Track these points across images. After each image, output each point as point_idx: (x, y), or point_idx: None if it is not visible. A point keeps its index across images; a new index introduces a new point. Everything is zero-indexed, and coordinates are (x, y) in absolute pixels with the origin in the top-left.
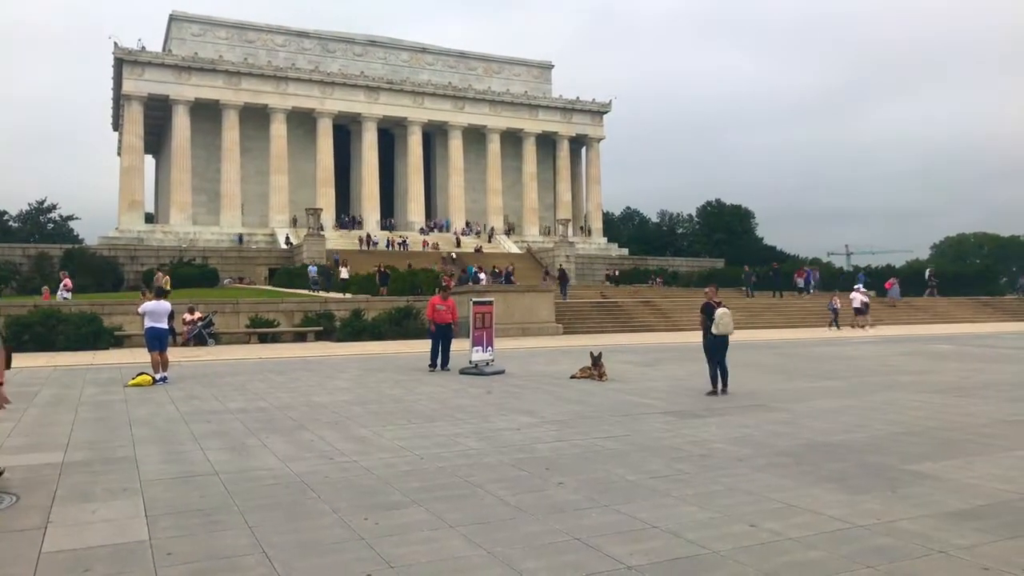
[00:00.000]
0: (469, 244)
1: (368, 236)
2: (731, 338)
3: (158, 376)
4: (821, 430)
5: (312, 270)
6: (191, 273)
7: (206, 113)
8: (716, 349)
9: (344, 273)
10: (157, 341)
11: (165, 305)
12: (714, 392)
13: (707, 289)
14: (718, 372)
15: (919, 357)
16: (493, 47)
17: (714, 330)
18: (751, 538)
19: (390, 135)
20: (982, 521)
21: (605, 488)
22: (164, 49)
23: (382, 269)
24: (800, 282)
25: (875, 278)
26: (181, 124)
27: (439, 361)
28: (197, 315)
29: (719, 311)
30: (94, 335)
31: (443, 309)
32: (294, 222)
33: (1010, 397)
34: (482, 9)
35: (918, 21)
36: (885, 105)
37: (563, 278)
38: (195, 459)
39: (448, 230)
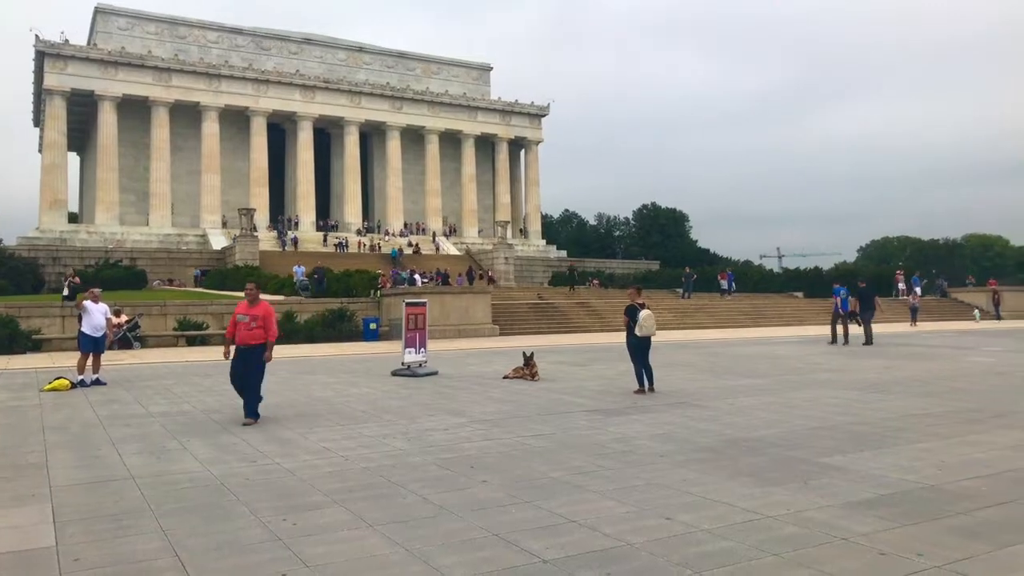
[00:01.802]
0: (407, 245)
1: (293, 239)
2: (663, 338)
3: (89, 379)
4: (741, 426)
5: (299, 271)
6: (118, 275)
7: (135, 110)
8: (639, 350)
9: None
10: (93, 343)
11: (103, 307)
12: (641, 391)
13: (630, 291)
14: (643, 371)
15: (839, 356)
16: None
17: (637, 331)
18: (665, 530)
19: (327, 135)
20: (884, 509)
21: (528, 485)
22: (89, 43)
23: (317, 268)
24: (723, 284)
25: (804, 281)
26: (108, 121)
27: (244, 405)
28: (123, 318)
29: (642, 313)
30: (9, 338)
31: (246, 321)
32: (224, 223)
33: (921, 392)
34: (426, 12)
35: (857, 29)
36: (821, 111)
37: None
38: (110, 464)
39: (379, 231)
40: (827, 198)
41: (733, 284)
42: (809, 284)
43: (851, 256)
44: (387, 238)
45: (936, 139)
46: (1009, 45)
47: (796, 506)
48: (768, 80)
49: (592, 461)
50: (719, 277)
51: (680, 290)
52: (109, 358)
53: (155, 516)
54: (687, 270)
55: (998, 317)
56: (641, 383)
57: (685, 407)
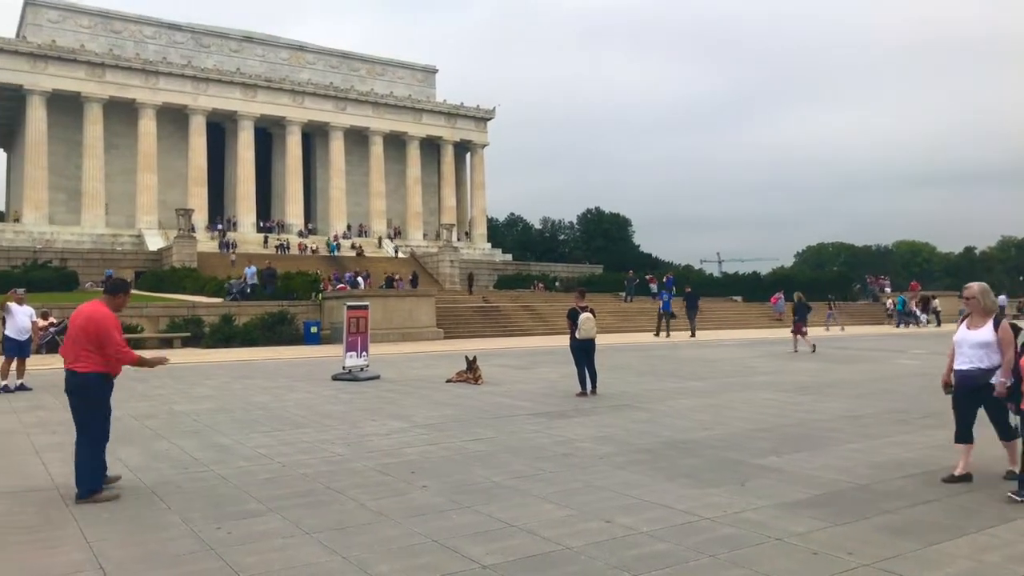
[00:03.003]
0: (350, 247)
1: (231, 242)
2: (605, 341)
3: (13, 385)
4: (680, 428)
5: (250, 272)
6: (47, 276)
7: (66, 106)
8: (581, 352)
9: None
10: (17, 347)
11: (28, 309)
12: (583, 393)
13: (575, 294)
14: (586, 374)
15: (775, 359)
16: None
17: (578, 334)
18: (604, 533)
19: (268, 135)
20: (817, 509)
21: (468, 490)
22: (19, 35)
23: (268, 268)
24: (654, 287)
25: (743, 285)
26: (36, 116)
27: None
28: (51, 320)
29: (582, 316)
30: None
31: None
32: (160, 224)
33: (853, 394)
34: (371, 12)
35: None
36: (760, 117)
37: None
38: (32, 472)
39: (319, 233)
40: (765, 204)
41: (688, 288)
42: (749, 288)
43: (788, 261)
44: (335, 241)
45: (865, 146)
46: (934, 53)
47: (733, 507)
48: (712, 84)
49: (533, 465)
50: (648, 281)
51: (623, 294)
52: (35, 362)
53: (79, 527)
54: (630, 274)
55: (917, 322)
56: (583, 386)
57: (626, 409)
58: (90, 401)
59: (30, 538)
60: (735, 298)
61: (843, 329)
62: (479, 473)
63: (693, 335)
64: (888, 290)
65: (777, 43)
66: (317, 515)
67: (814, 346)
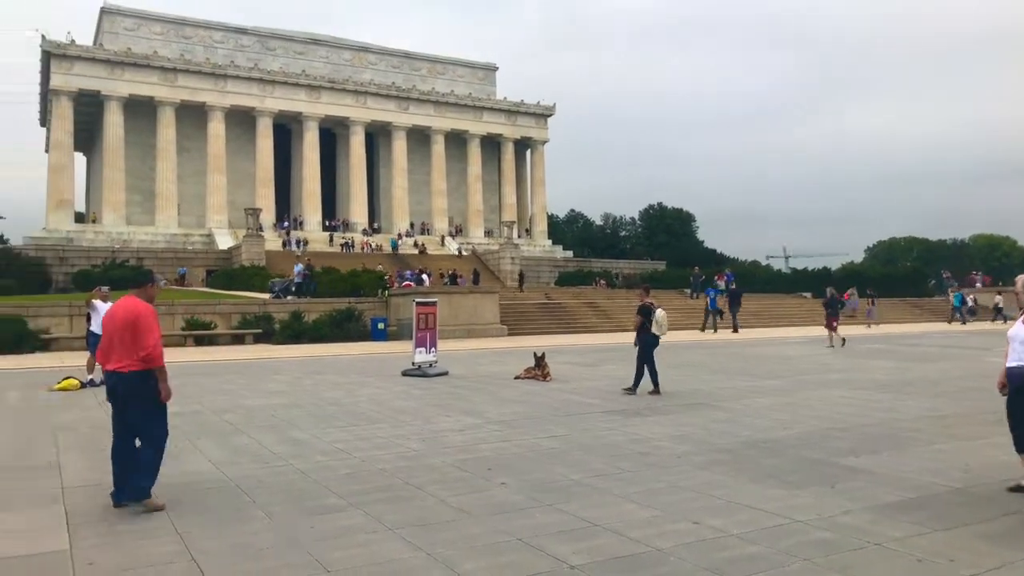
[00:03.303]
0: (412, 245)
1: (299, 240)
2: (672, 338)
3: (99, 379)
4: (759, 427)
5: (298, 269)
6: (124, 275)
7: (141, 110)
8: (653, 349)
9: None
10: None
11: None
12: (656, 392)
13: (639, 290)
14: (655, 372)
15: (850, 356)
16: (442, 49)
17: (656, 331)
18: (693, 535)
19: (332, 135)
20: (913, 513)
21: (548, 488)
22: (95, 43)
23: (307, 265)
24: (721, 284)
25: (813, 281)
26: (114, 121)
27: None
28: None
29: (659, 312)
30: (17, 338)
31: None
32: (229, 223)
33: (933, 393)
34: (433, 12)
35: (866, 28)
36: (829, 111)
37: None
38: None
39: (382, 231)
40: (833, 198)
41: (732, 285)
42: (818, 284)
43: (858, 257)
44: (401, 239)
45: (942, 138)
46: (1016, 44)
47: (824, 510)
48: (778, 79)
49: (611, 463)
50: (716, 278)
51: (688, 290)
52: None
53: (169, 519)
54: (696, 270)
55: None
56: (656, 384)
57: (701, 408)
58: (148, 401)
59: (125, 528)
60: (804, 294)
61: (869, 327)
62: (557, 471)
63: (735, 331)
64: (956, 284)
65: (844, 32)
66: (398, 511)
67: (844, 340)
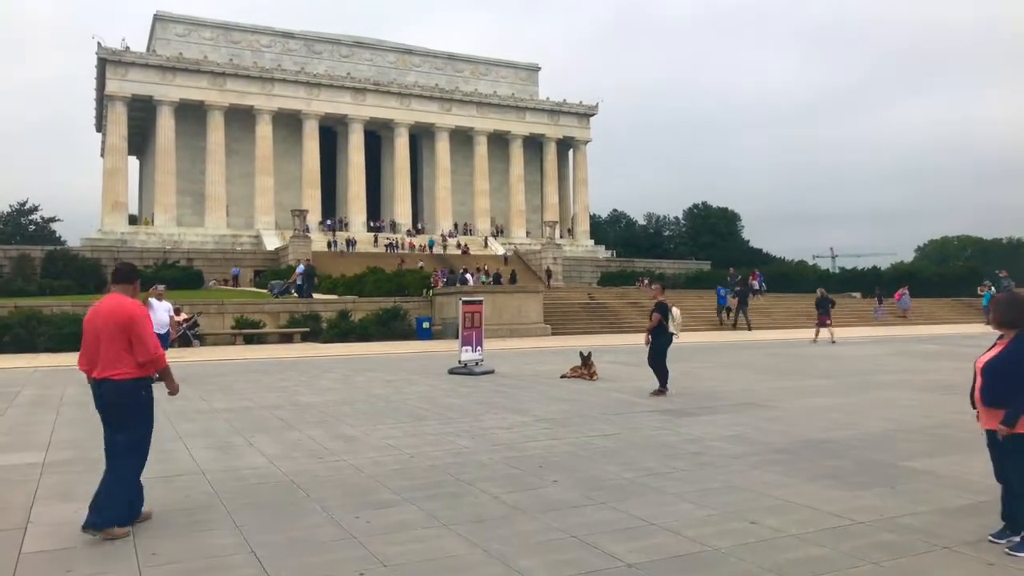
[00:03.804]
0: (455, 246)
1: (348, 241)
2: (719, 339)
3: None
4: (815, 427)
5: (300, 269)
6: (175, 275)
7: (191, 114)
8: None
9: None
10: (158, 340)
11: (167, 304)
12: (663, 392)
13: (654, 288)
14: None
15: (906, 357)
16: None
17: (673, 328)
18: (751, 535)
19: (376, 137)
20: (983, 517)
21: (600, 486)
22: (148, 49)
23: (308, 264)
24: (755, 284)
25: (862, 281)
26: (165, 125)
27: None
28: (183, 316)
29: (675, 309)
30: (76, 336)
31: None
32: (276, 224)
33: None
34: (476, 13)
35: (911, 24)
36: (876, 108)
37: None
38: (179, 458)
39: (424, 231)
40: (882, 197)
41: (763, 284)
42: (867, 284)
43: (908, 256)
44: (444, 240)
45: (994, 135)
46: None
47: (888, 511)
48: (824, 77)
49: (664, 462)
50: (750, 278)
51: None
52: (171, 355)
53: (227, 511)
54: (731, 271)
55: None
56: (665, 384)
57: (754, 408)
58: (140, 412)
59: (186, 521)
60: (853, 294)
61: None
62: (609, 469)
63: (749, 329)
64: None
65: (897, 27)
66: (451, 507)
67: (833, 339)
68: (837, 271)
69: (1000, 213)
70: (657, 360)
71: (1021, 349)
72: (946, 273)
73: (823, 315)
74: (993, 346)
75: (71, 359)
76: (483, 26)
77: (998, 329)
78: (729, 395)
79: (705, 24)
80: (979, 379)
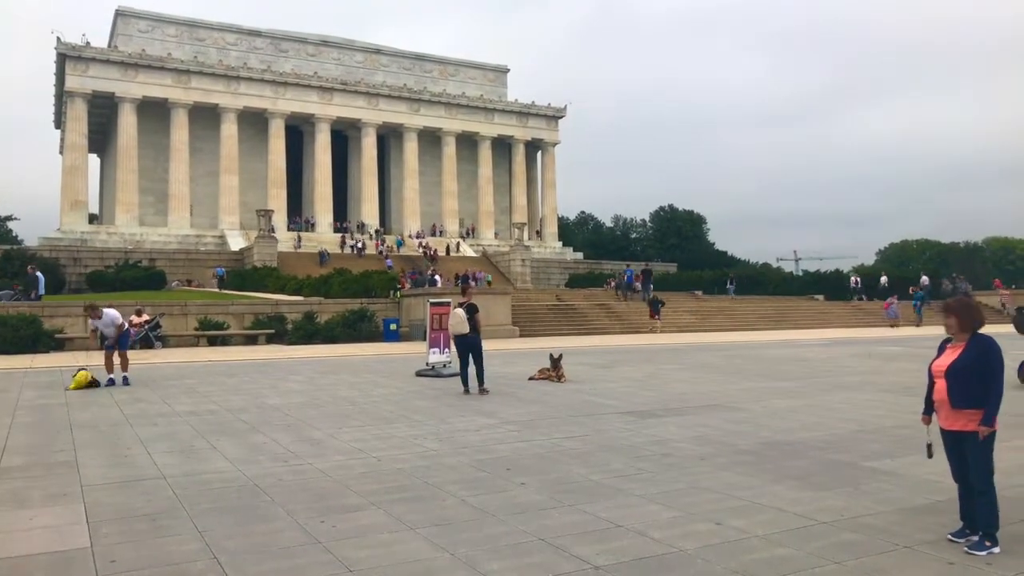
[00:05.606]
0: (418, 247)
1: (322, 253)
2: (685, 340)
3: (119, 378)
4: (779, 429)
5: (220, 272)
6: (137, 275)
7: (154, 112)
8: (463, 348)
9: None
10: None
11: (110, 316)
12: (468, 392)
13: (463, 287)
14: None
15: (868, 358)
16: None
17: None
18: (717, 536)
19: (344, 137)
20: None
21: (568, 488)
22: (110, 45)
23: (33, 269)
24: (731, 288)
25: (824, 283)
26: (127, 123)
27: None
28: (144, 317)
29: (453, 311)
30: (33, 338)
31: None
32: (241, 224)
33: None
34: (444, 14)
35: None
36: (838, 114)
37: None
38: (141, 463)
39: (392, 232)
40: (843, 201)
41: (733, 285)
42: (830, 287)
43: (869, 259)
44: (416, 239)
45: (954, 141)
46: None
47: (850, 511)
48: (788, 82)
49: (631, 464)
50: (728, 283)
51: (700, 292)
52: (132, 357)
53: (190, 517)
54: (626, 266)
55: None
56: (467, 384)
57: (718, 410)
58: None
59: (147, 527)
60: (816, 297)
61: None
62: (577, 471)
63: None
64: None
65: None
66: (418, 510)
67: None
68: (800, 273)
69: (957, 217)
70: (477, 357)
71: (984, 349)
72: (905, 276)
73: (655, 314)
74: (944, 350)
75: (27, 361)
76: (458, 27)
77: (960, 333)
78: (696, 397)
79: (678, 27)
80: (940, 382)
